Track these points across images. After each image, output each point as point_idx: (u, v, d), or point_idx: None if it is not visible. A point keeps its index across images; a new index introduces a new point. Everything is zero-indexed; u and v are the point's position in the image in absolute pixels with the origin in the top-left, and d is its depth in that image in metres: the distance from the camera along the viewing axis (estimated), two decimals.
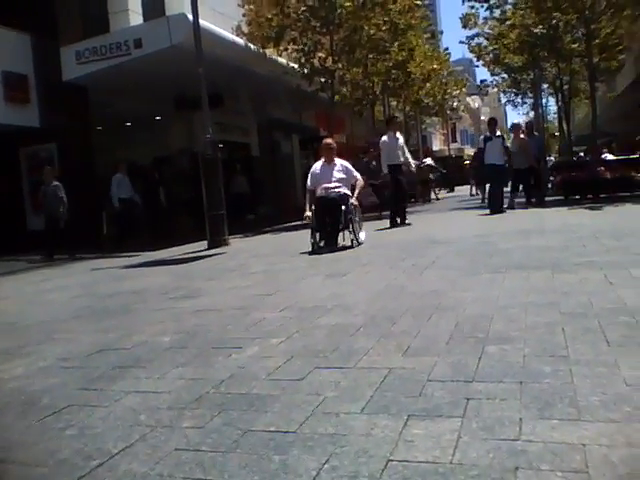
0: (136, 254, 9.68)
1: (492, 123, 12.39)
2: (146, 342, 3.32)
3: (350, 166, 8.12)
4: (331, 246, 7.34)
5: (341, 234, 7.69)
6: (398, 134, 10.58)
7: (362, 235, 7.91)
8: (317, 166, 8.06)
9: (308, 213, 7.64)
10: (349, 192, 7.84)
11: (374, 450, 1.70)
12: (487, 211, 11.54)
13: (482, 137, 12.60)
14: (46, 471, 1.80)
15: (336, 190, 7.63)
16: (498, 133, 11.86)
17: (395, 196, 10.38)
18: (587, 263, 4.64)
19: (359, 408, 2.03)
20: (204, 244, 9.79)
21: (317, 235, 7.40)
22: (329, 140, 8.37)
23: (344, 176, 7.88)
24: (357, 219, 7.79)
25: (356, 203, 7.78)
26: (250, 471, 1.65)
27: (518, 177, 12.75)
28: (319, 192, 7.68)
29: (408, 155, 10.91)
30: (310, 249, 7.30)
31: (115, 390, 2.49)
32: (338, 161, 8.03)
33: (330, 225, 7.45)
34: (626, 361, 2.27)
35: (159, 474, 1.69)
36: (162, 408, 2.21)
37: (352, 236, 7.59)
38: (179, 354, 2.98)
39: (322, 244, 7.45)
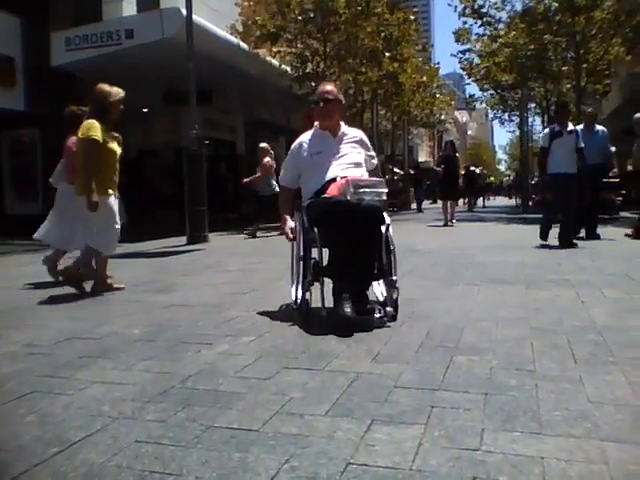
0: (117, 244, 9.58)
1: (563, 110, 8.48)
2: (116, 333, 3.29)
3: (367, 138, 4.10)
4: (358, 311, 3.26)
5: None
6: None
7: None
8: (305, 139, 3.92)
9: (290, 225, 3.84)
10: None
11: (335, 452, 1.70)
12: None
13: (546, 131, 8.29)
14: (3, 456, 1.77)
15: (371, 190, 3.48)
16: (571, 127, 7.90)
17: None
18: (561, 281, 4.70)
19: (324, 410, 2.02)
20: (184, 239, 9.72)
21: (307, 282, 3.51)
22: (329, 86, 4.04)
23: (362, 159, 3.88)
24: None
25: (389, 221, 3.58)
26: (209, 467, 1.64)
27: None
28: (335, 190, 3.49)
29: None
30: (295, 309, 3.65)
31: (80, 379, 2.46)
32: (348, 130, 3.99)
33: (357, 266, 3.41)
34: (591, 378, 2.30)
35: (117, 465, 1.67)
36: (126, 400, 2.19)
37: (384, 290, 3.61)
38: (148, 347, 2.95)
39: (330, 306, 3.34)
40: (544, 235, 7.93)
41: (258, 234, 10.86)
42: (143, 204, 14.97)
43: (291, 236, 3.79)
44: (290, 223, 3.84)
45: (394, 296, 3.41)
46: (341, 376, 2.38)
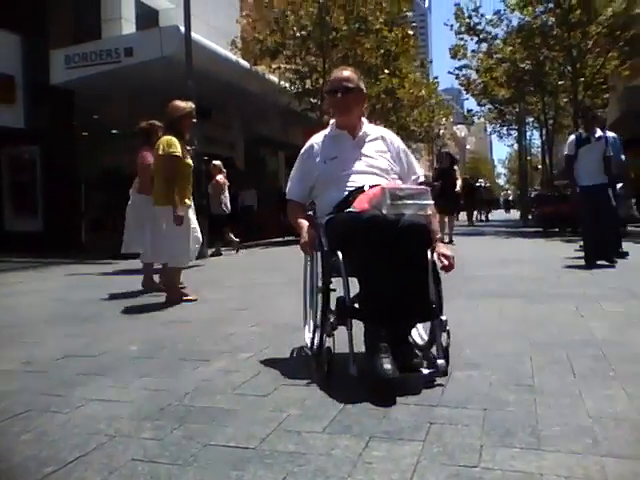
0: (114, 261, 9.57)
1: (591, 115, 7.54)
2: (113, 350, 3.27)
3: (400, 141, 3.23)
4: (401, 366, 2.41)
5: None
6: None
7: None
8: (317, 141, 3.14)
9: (304, 235, 2.92)
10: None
11: (333, 470, 1.68)
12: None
13: (572, 137, 7.39)
14: None
15: (413, 201, 2.61)
16: (599, 133, 7.16)
17: None
18: (560, 294, 4.70)
19: (322, 427, 2.01)
20: None
21: (328, 325, 2.61)
22: (347, 71, 3.16)
23: (395, 165, 3.08)
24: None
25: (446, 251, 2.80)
26: None
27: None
28: (366, 202, 2.66)
29: None
30: (312, 357, 2.87)
31: (77, 397, 2.44)
32: (371, 128, 3.19)
33: (397, 303, 2.55)
34: (590, 393, 2.28)
35: None
36: (123, 418, 2.17)
37: (424, 333, 2.87)
38: (145, 364, 2.94)
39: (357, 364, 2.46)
40: (590, 258, 6.79)
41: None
42: None
43: (309, 252, 2.97)
44: (304, 235, 2.87)
45: (445, 342, 2.55)
46: (339, 392, 2.37)
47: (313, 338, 2.90)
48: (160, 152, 4.97)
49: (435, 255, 2.67)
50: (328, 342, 2.58)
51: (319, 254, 2.86)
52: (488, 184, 39.25)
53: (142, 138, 6.06)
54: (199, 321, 4.08)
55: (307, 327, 3.11)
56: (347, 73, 3.11)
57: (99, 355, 3.18)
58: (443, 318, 2.56)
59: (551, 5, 17.02)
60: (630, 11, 15.41)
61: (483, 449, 1.79)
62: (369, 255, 2.53)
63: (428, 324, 2.68)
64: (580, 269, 6.42)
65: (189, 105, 5.23)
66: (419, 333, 2.87)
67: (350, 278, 2.58)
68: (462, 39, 20.37)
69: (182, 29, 10.52)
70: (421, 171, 3.19)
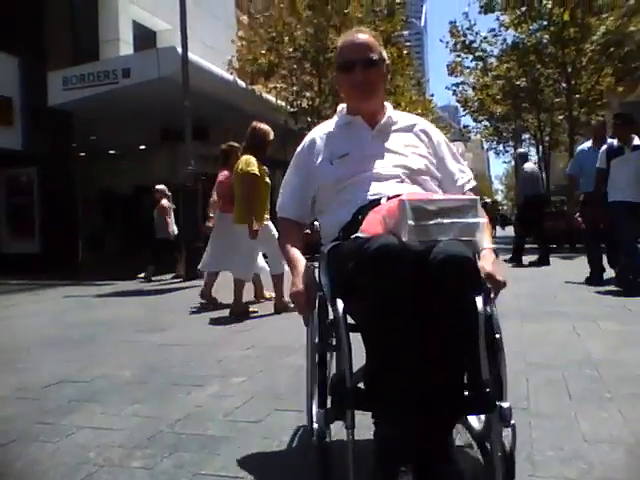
0: (111, 282, 9.55)
1: (624, 121, 6.17)
2: (106, 375, 3.24)
3: (442, 135, 2.21)
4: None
5: None
6: None
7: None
8: (321, 133, 2.16)
9: (300, 286, 1.85)
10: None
11: None
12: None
13: (603, 148, 6.26)
14: None
15: (451, 220, 1.60)
16: (637, 141, 6.04)
17: None
18: (557, 313, 4.68)
19: None
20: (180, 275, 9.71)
21: (323, 413, 1.61)
22: (363, 34, 2.09)
23: (434, 164, 2.09)
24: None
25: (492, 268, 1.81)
26: None
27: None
28: (377, 224, 1.67)
29: None
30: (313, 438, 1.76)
31: (68, 425, 2.41)
32: (398, 115, 2.19)
33: (426, 386, 1.56)
34: (586, 416, 2.26)
35: None
36: (113, 446, 2.15)
37: (477, 423, 1.94)
38: (138, 390, 2.91)
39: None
40: (596, 277, 6.37)
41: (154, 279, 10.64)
42: (139, 240, 15.00)
43: (304, 309, 1.85)
44: (300, 283, 1.86)
45: (509, 445, 1.63)
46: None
47: (311, 414, 1.95)
48: (239, 171, 5.27)
49: (480, 269, 1.74)
50: (328, 429, 1.66)
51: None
52: (490, 200, 39.33)
53: (222, 159, 6.41)
54: (194, 344, 4.05)
55: (309, 399, 2.01)
56: (364, 37, 2.08)
57: (92, 380, 3.15)
58: (504, 405, 1.59)
59: (545, 22, 17.19)
60: (623, 29, 15.56)
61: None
62: (379, 308, 1.56)
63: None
64: (578, 286, 6.40)
65: (271, 131, 5.61)
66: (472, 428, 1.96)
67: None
68: (459, 56, 20.57)
69: (179, 50, 10.60)
70: (471, 173, 2.18)
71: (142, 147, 16.11)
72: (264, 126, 5.50)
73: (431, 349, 1.58)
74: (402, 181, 1.96)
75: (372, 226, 1.67)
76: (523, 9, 17.22)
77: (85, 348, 4.17)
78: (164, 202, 10.68)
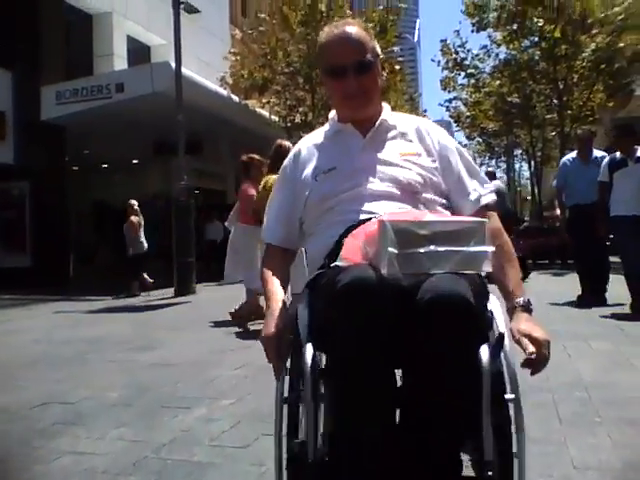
0: (102, 298, 9.49)
1: (627, 132, 5.97)
2: (93, 397, 3.21)
3: (449, 138, 1.78)
4: None
5: None
6: None
7: None
8: (308, 144, 1.82)
9: (270, 331, 1.53)
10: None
11: None
12: None
13: (605, 161, 6.06)
14: None
15: (445, 248, 1.27)
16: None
17: None
18: (547, 332, 4.66)
19: None
20: (171, 291, 9.65)
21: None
22: (353, 27, 1.69)
23: (436, 175, 1.68)
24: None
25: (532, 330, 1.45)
26: None
27: None
28: (355, 251, 1.36)
29: None
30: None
31: (52, 449, 2.38)
32: (395, 117, 1.80)
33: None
34: (576, 440, 2.25)
35: None
36: (96, 472, 2.12)
37: None
38: (124, 412, 2.88)
39: None
40: (586, 298, 6.19)
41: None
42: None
43: (274, 357, 1.56)
44: (272, 325, 1.55)
45: None
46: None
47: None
48: (267, 186, 5.12)
49: (512, 332, 1.44)
50: None
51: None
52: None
53: (242, 172, 6.35)
54: (183, 364, 4.01)
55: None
56: (354, 30, 1.69)
57: (78, 402, 3.11)
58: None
59: (536, 39, 17.37)
60: (614, 46, 15.73)
61: None
62: (344, 350, 1.27)
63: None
64: (569, 304, 6.40)
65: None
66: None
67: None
68: (451, 72, 20.76)
69: (173, 65, 10.64)
70: (490, 185, 1.76)
71: (135, 161, 16.11)
72: (288, 143, 5.43)
73: (412, 411, 1.29)
74: (397, 197, 1.61)
75: (351, 253, 1.38)
76: (514, 26, 17.41)
77: (74, 367, 4.13)
78: (133, 218, 10.72)
